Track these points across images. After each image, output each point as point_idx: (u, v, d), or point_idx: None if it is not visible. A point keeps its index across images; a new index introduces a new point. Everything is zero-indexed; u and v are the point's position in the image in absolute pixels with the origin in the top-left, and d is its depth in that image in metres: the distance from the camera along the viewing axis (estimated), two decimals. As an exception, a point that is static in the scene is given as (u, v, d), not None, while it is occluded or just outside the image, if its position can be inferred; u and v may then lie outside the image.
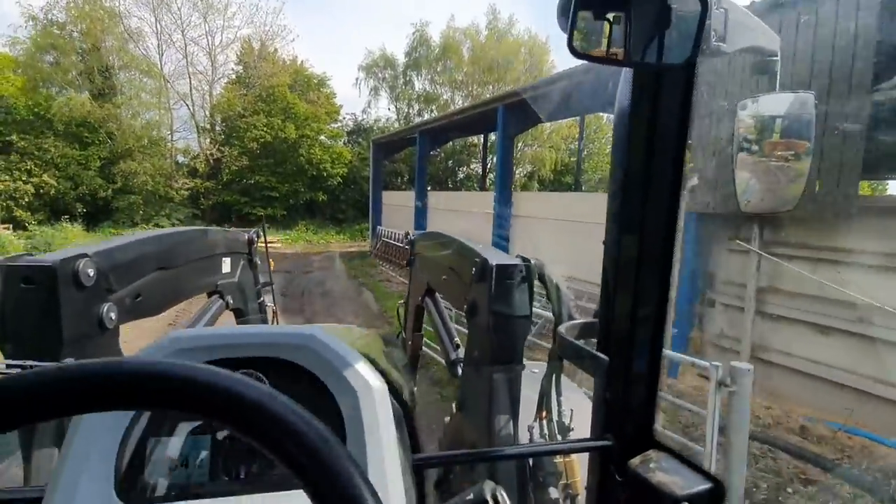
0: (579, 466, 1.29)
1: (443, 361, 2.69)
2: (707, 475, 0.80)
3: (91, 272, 1.14)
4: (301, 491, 0.37)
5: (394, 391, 0.95)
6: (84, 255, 1.14)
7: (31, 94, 21.70)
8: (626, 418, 0.90)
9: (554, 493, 1.25)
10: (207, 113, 26.80)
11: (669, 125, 0.77)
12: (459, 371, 1.73)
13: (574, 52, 0.67)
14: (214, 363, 0.62)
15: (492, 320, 1.30)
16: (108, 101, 22.72)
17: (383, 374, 0.91)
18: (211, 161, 26.72)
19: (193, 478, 0.74)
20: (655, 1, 0.67)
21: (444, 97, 31.95)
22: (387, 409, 0.79)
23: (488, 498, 0.62)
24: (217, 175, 26.56)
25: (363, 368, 0.82)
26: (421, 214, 17.08)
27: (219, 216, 26.04)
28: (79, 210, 21.98)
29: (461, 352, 1.84)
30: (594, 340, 1.04)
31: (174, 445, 0.75)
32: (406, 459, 0.84)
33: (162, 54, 25.46)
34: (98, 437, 0.71)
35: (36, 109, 21.37)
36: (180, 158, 27.08)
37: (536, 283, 1.40)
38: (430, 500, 1.32)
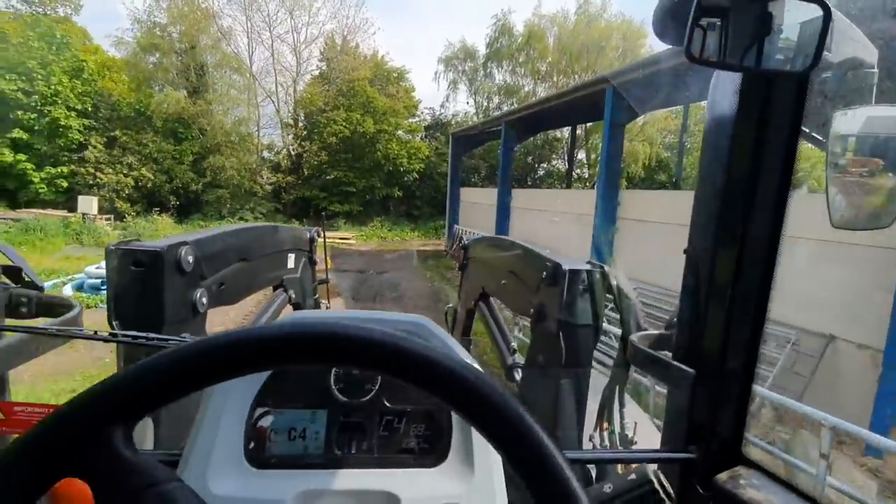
0: None
1: (494, 366, 2.67)
2: (803, 495, 0.76)
3: (191, 259, 1.23)
4: (410, 469, 0.41)
5: None
6: (185, 243, 1.22)
7: (135, 93, 22.99)
8: (713, 431, 0.86)
9: None
10: (291, 109, 27.17)
11: (780, 133, 0.75)
12: (516, 376, 1.74)
13: (691, 57, 0.67)
14: None
15: (562, 325, 1.27)
16: (200, 98, 23.56)
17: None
18: (293, 156, 27.09)
19: (310, 448, 0.78)
20: (769, 6, 0.67)
21: (526, 89, 30.24)
22: None
23: (652, 478, 0.68)
24: (298, 170, 26.87)
25: (464, 354, 0.88)
26: (504, 213, 15.65)
27: (298, 210, 26.33)
28: (172, 202, 23.02)
29: (518, 357, 1.84)
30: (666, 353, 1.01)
31: (293, 418, 0.79)
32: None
33: (252, 53, 26.24)
34: (230, 406, 0.75)
35: (138, 107, 22.62)
36: (265, 154, 27.76)
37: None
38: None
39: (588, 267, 1.32)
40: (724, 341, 0.83)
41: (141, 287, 1.15)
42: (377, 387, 0.81)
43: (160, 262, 1.15)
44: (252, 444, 0.76)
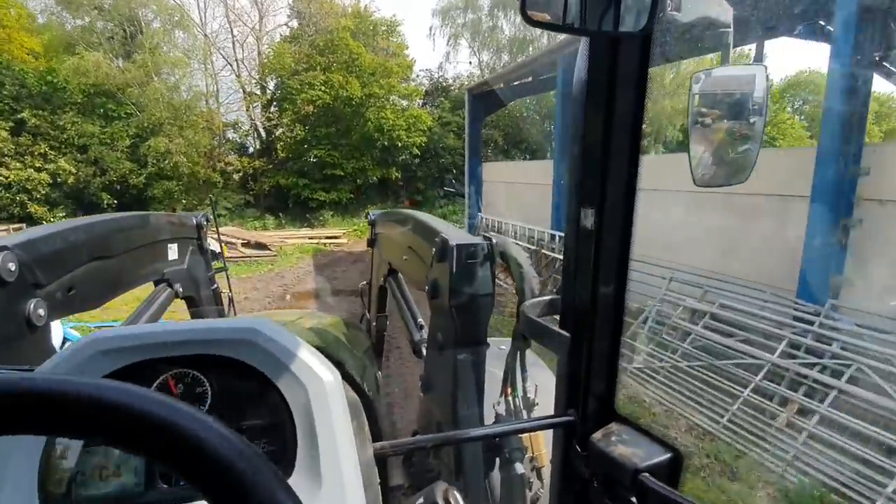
0: (544, 440, 1.31)
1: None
2: (666, 445, 0.80)
3: (12, 266, 1.06)
4: None
5: (351, 380, 0.99)
6: (3, 248, 1.05)
7: (47, 61, 17.45)
8: (588, 394, 0.90)
9: (520, 468, 1.25)
10: (255, 74, 21.55)
11: (626, 96, 0.75)
12: (424, 352, 1.70)
13: (528, 19, 0.65)
14: (146, 363, 0.71)
15: (453, 301, 1.25)
16: (133, 63, 18.00)
17: (339, 363, 0.93)
18: (262, 134, 21.72)
19: (127, 487, 0.68)
20: None
21: (543, 41, 24.85)
22: (340, 401, 0.77)
23: (439, 500, 0.61)
24: (270, 152, 21.57)
25: (312, 361, 0.77)
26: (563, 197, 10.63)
27: (274, 202, 21.14)
28: (105, 201, 17.72)
29: (425, 332, 1.81)
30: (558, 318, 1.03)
31: (102, 451, 0.69)
32: (365, 450, 0.83)
33: (204, 8, 20.59)
34: (15, 448, 0.64)
35: (50, 78, 17.11)
36: (230, 135, 22.38)
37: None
38: (396, 485, 1.40)
39: (477, 240, 1.29)
40: (592, 306, 0.86)
41: None
42: (208, 402, 0.74)
43: None
44: (51, 493, 0.65)
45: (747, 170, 0.86)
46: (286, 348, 0.76)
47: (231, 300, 2.67)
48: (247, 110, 21.10)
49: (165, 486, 0.70)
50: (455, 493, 0.63)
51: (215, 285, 2.44)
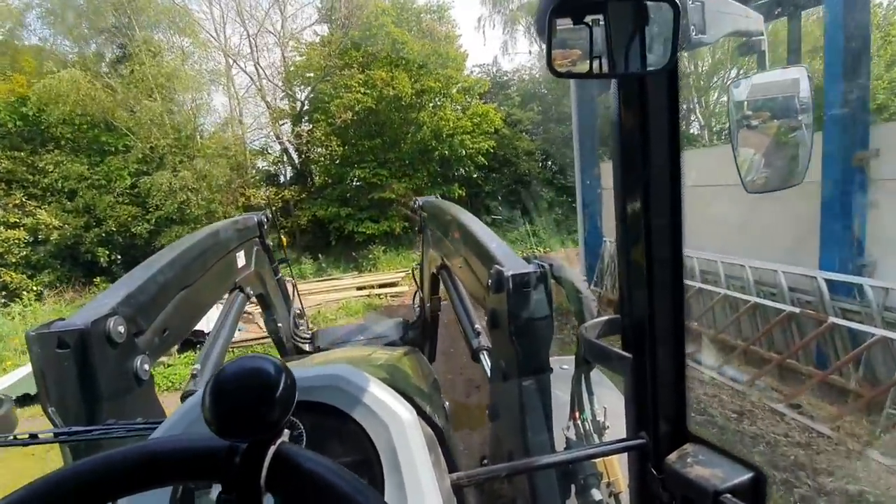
0: (619, 464, 1.28)
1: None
2: (747, 465, 0.79)
3: (122, 329, 1.13)
4: None
5: (424, 415, 1.03)
6: (114, 313, 1.13)
7: (19, 88, 13.95)
8: (658, 415, 0.88)
9: (597, 494, 1.21)
10: (279, 82, 17.43)
11: (660, 128, 0.77)
12: (483, 360, 1.73)
13: (554, 72, 0.67)
14: None
15: (514, 330, 1.26)
16: (122, 80, 14.18)
17: (411, 398, 0.95)
18: (293, 157, 17.57)
19: None
20: (631, 6, 0.67)
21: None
22: (419, 436, 0.80)
23: None
24: (304, 177, 17.39)
25: (391, 400, 0.83)
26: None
27: (311, 240, 16.84)
28: (103, 259, 13.85)
29: (482, 338, 1.81)
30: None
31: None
32: (444, 480, 0.85)
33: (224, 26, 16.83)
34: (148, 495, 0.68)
35: (24, 110, 13.59)
36: (260, 164, 18.43)
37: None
38: None
39: (531, 268, 1.27)
40: (651, 324, 0.84)
41: (71, 370, 1.05)
42: (303, 443, 0.77)
43: (87, 341, 1.06)
44: None
45: (802, 171, 0.83)
46: (367, 390, 0.82)
47: (294, 286, 2.90)
48: (272, 129, 16.96)
49: None
50: None
51: (279, 275, 2.60)
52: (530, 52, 25.76)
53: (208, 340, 1.81)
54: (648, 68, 0.68)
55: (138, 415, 1.07)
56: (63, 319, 1.12)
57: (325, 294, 12.03)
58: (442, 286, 2.34)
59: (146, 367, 1.21)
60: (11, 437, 0.85)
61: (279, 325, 2.75)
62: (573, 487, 1.24)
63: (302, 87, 17.43)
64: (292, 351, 2.91)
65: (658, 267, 0.82)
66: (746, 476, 0.76)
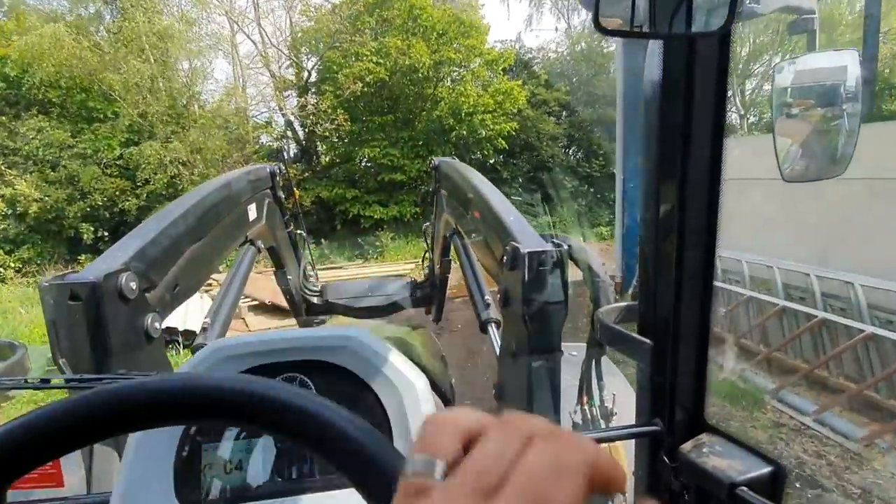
0: (624, 451, 1.28)
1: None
2: (766, 458, 0.77)
3: (134, 285, 1.12)
4: (353, 489, 0.39)
5: (434, 386, 1.04)
6: (126, 269, 1.11)
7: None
8: (676, 402, 0.86)
9: None
10: (285, 50, 16.01)
11: (706, 100, 0.73)
12: (491, 332, 1.69)
13: (600, 28, 0.64)
14: (262, 367, 0.81)
15: (526, 310, 1.23)
16: (108, 40, 12.90)
17: (424, 369, 0.93)
18: (298, 132, 16.26)
19: (249, 480, 0.76)
20: None
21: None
22: (430, 404, 0.81)
23: None
24: (310, 155, 16.11)
25: (404, 366, 0.83)
26: None
27: (315, 224, 15.60)
28: (87, 236, 12.74)
29: (492, 311, 1.78)
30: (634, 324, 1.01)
31: (228, 449, 0.77)
32: None
33: None
34: (156, 443, 0.73)
35: (7, 70, 12.41)
36: (263, 139, 17.16)
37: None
38: None
39: (549, 247, 1.24)
40: (676, 311, 0.83)
41: (82, 323, 1.04)
42: None
43: (99, 295, 1.04)
44: (183, 483, 0.73)
45: (844, 162, 0.80)
46: (380, 355, 0.82)
47: (305, 239, 2.90)
48: (276, 100, 15.61)
49: (280, 479, 0.77)
50: None
51: (290, 228, 2.58)
52: (556, 29, 24.06)
53: (219, 294, 1.77)
54: (696, 29, 0.65)
55: (149, 371, 1.05)
56: (76, 272, 1.10)
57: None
58: (453, 250, 2.33)
59: (157, 324, 1.19)
60: (24, 381, 0.83)
61: (289, 278, 2.71)
62: None
63: (309, 55, 16.01)
64: (301, 304, 2.90)
65: (689, 253, 0.79)
66: (765, 470, 0.75)
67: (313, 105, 14.55)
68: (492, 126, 14.84)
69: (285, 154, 16.33)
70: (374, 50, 13.83)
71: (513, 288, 1.27)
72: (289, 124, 16.42)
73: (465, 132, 14.63)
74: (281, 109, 15.18)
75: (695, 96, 0.72)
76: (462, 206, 1.95)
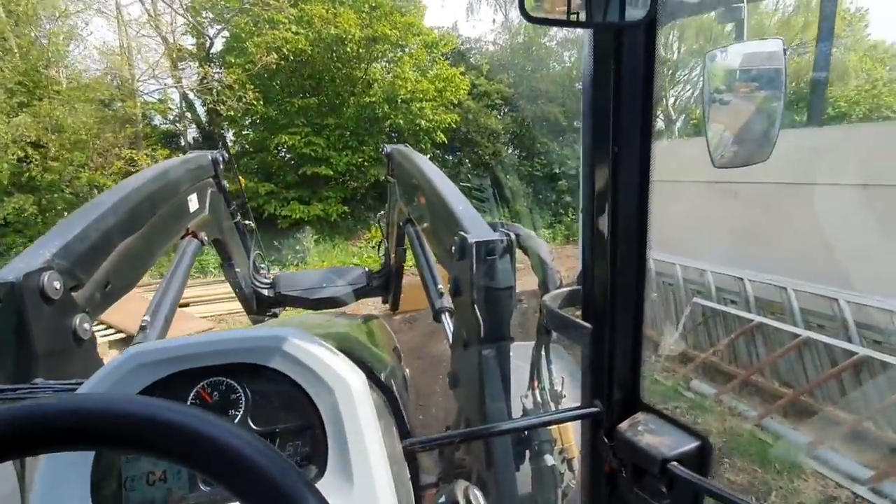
0: (573, 431, 1.32)
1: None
2: (694, 433, 0.81)
3: (57, 284, 1.05)
4: None
5: (378, 382, 0.99)
6: (48, 268, 1.04)
7: None
8: (613, 384, 0.90)
9: (550, 460, 1.25)
10: (182, 12, 13.14)
11: (634, 88, 0.74)
12: (444, 321, 1.77)
13: (527, 16, 0.65)
14: (183, 374, 0.75)
15: (477, 298, 1.25)
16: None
17: (366, 364, 0.93)
18: (200, 115, 13.56)
19: (174, 491, 0.72)
20: None
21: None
22: (367, 403, 0.78)
23: (460, 499, 0.59)
24: (215, 142, 13.46)
25: (339, 365, 0.80)
26: None
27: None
28: None
29: (446, 300, 1.84)
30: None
31: (150, 460, 0.72)
32: (395, 447, 0.85)
33: None
34: (70, 457, 0.68)
35: None
36: (156, 121, 14.13)
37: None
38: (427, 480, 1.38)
39: (496, 236, 1.26)
40: (612, 296, 0.85)
41: (2, 328, 0.97)
42: (242, 409, 0.76)
43: (18, 296, 0.97)
44: (103, 499, 0.68)
45: (769, 147, 0.84)
46: (313, 354, 0.78)
47: (254, 231, 2.74)
48: (171, 72, 12.77)
49: (207, 488, 0.73)
50: (475, 490, 0.63)
51: (237, 219, 2.47)
52: (494, 21, 23.00)
53: (159, 290, 1.68)
54: (626, 19, 0.67)
55: (80, 375, 0.90)
56: None
57: (223, 304, 8.48)
58: (407, 240, 2.34)
59: (86, 325, 1.13)
60: None
61: (238, 270, 2.60)
62: (527, 453, 1.26)
63: (213, 22, 13.34)
64: (252, 298, 2.81)
65: (623, 236, 0.81)
66: (693, 444, 0.79)
67: (216, 80, 12.01)
68: (431, 116, 13.20)
69: (182, 139, 13.54)
70: (293, 18, 11.60)
71: (462, 277, 1.29)
72: (188, 103, 13.65)
73: (401, 121, 12.87)
74: (176, 82, 12.40)
75: (623, 86, 0.73)
76: (414, 195, 1.94)
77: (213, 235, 2.04)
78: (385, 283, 3.15)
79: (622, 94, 0.74)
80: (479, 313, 1.24)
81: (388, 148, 2.53)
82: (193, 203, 1.87)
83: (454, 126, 14.16)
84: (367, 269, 3.25)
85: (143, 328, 1.50)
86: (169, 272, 1.74)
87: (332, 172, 12.65)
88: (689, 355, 5.73)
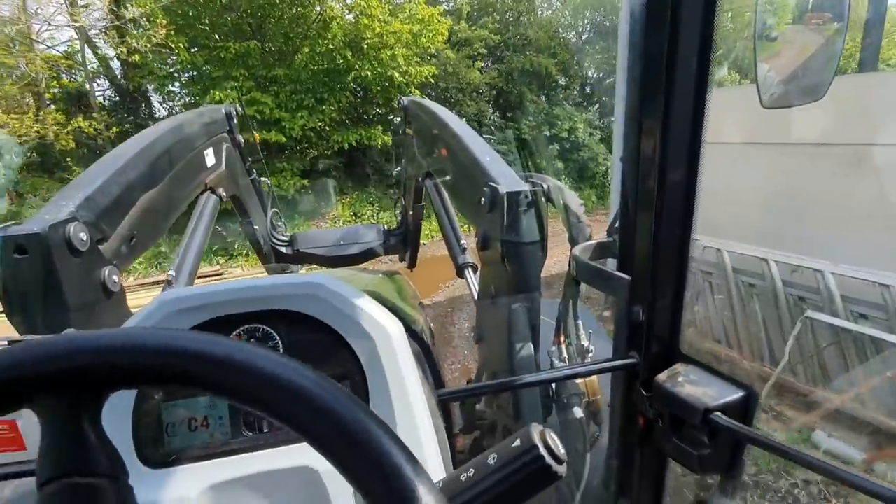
0: (599, 385, 1.31)
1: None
2: (738, 384, 0.79)
3: (83, 236, 1.04)
4: None
5: (411, 331, 0.98)
6: (73, 219, 1.03)
7: None
8: (651, 336, 0.88)
9: (578, 412, 1.26)
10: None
11: (692, 28, 0.70)
12: (468, 277, 1.76)
13: None
14: (220, 319, 0.74)
15: (506, 251, 1.24)
16: None
17: (399, 314, 0.89)
18: (112, 65, 10.74)
19: (215, 436, 0.72)
20: None
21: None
22: (406, 349, 0.78)
23: (538, 443, 0.58)
24: (137, 103, 10.76)
25: (377, 312, 0.79)
26: None
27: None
28: None
29: (468, 255, 1.86)
30: (612, 261, 1.01)
31: (192, 406, 0.72)
32: (431, 396, 0.84)
33: None
34: (109, 403, 0.64)
35: None
36: (63, 77, 11.12)
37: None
38: (459, 431, 1.43)
39: (528, 187, 1.24)
40: (655, 246, 0.83)
41: (33, 279, 0.97)
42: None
43: (45, 247, 0.97)
44: (144, 443, 0.70)
45: (824, 86, 0.77)
46: (350, 301, 0.77)
47: (270, 187, 2.73)
48: (71, 12, 9.80)
49: (250, 433, 0.73)
50: (551, 434, 0.63)
51: (253, 175, 2.44)
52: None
53: (181, 246, 1.68)
54: None
55: (111, 327, 0.86)
56: (18, 223, 1.02)
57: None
58: (426, 195, 2.28)
59: (115, 278, 1.13)
60: None
61: (256, 227, 2.58)
62: (554, 406, 1.26)
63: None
64: (270, 254, 2.81)
65: (670, 188, 0.78)
66: (738, 395, 0.77)
67: (131, 21, 9.19)
68: (405, 67, 10.81)
69: (91, 99, 10.69)
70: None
71: (492, 230, 1.27)
72: (97, 54, 10.74)
73: (368, 73, 10.43)
74: (73, 20, 9.50)
75: (680, 23, 0.70)
76: (434, 147, 1.92)
77: (230, 191, 1.99)
78: (402, 240, 3.16)
79: (679, 33, 0.70)
80: (508, 266, 1.22)
81: (405, 100, 2.48)
82: (210, 158, 1.83)
83: (431, 80, 11.82)
84: (384, 226, 3.25)
85: (168, 283, 1.48)
86: (190, 228, 1.70)
87: (284, 139, 10.22)
88: (800, 392, 4.00)
